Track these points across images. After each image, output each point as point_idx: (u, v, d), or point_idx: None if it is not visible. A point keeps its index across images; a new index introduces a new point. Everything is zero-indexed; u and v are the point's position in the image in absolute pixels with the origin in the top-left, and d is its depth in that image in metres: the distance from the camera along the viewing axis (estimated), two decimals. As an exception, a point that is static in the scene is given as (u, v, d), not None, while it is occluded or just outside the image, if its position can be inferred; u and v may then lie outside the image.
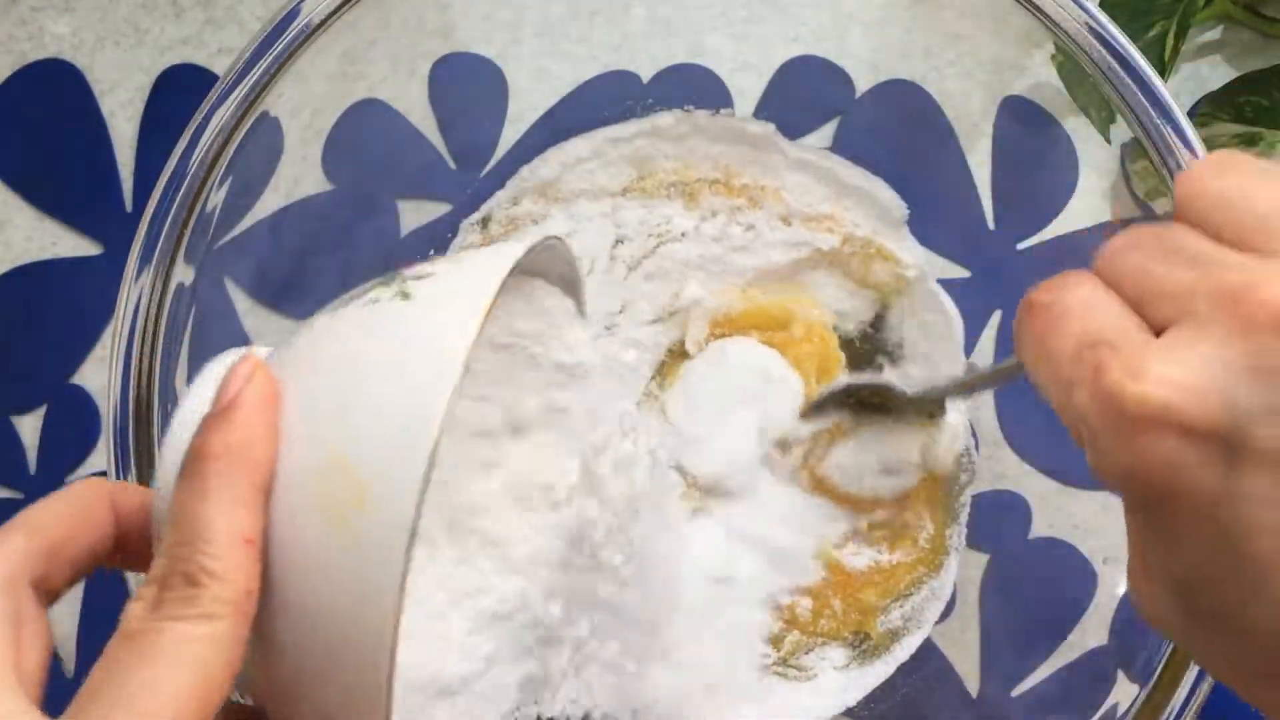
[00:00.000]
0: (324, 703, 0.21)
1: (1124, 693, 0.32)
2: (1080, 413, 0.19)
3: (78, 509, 0.22)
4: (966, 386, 0.34)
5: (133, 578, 0.30)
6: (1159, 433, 0.18)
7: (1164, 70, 0.38)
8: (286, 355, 0.22)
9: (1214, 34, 0.42)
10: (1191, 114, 0.39)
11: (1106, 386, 0.18)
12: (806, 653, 0.37)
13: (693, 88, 0.39)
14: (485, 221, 0.40)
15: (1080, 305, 0.20)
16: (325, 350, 0.22)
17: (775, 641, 0.37)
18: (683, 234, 0.39)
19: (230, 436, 0.20)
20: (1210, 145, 0.38)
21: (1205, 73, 0.41)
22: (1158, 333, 0.19)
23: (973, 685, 0.37)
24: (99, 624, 0.40)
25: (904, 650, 0.38)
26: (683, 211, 0.39)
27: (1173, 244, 0.19)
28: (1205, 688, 0.31)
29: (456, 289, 0.22)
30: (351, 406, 0.21)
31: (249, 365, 0.21)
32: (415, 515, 0.19)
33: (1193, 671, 0.30)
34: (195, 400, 0.22)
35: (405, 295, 0.22)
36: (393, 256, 0.39)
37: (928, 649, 0.38)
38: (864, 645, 0.38)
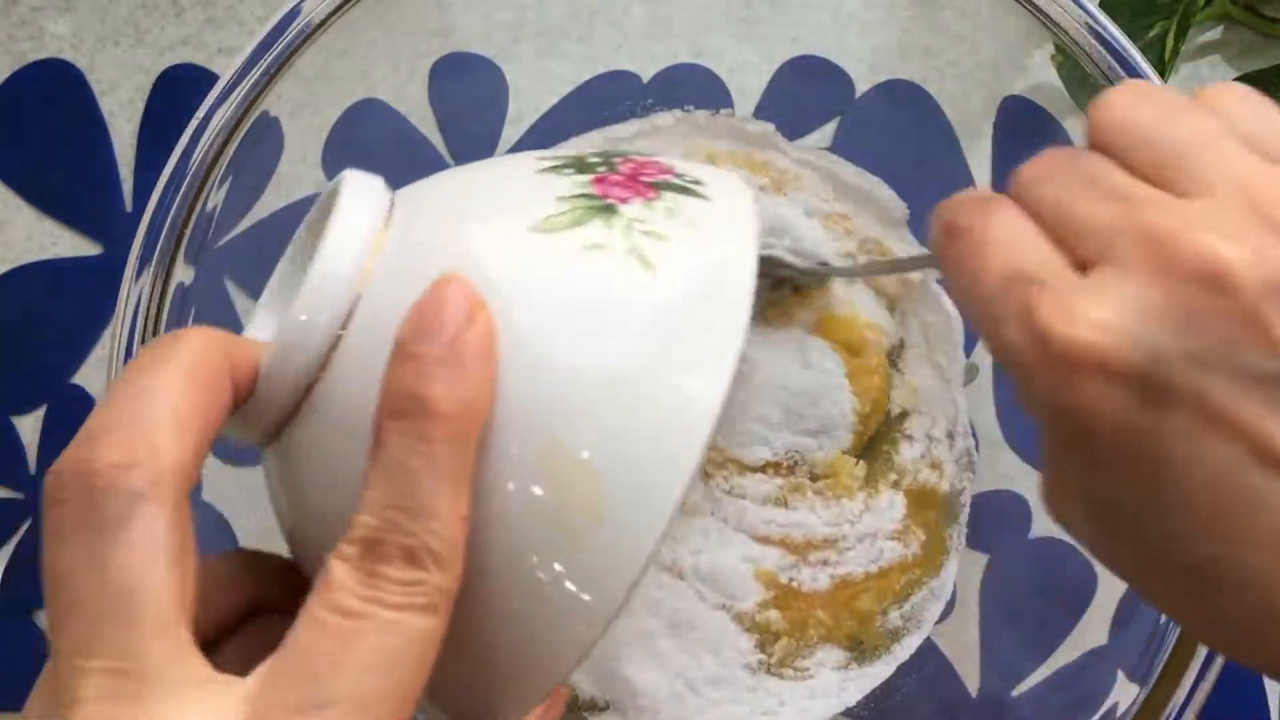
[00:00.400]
0: (466, 700, 0.19)
1: (1124, 692, 0.32)
2: (1010, 348, 0.19)
3: (208, 380, 0.19)
4: (874, 269, 0.32)
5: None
6: (1087, 374, 0.18)
7: (1164, 70, 0.38)
8: (473, 273, 0.18)
9: (1214, 34, 0.42)
10: (1191, 114, 0.39)
11: (1037, 326, 0.19)
12: (802, 656, 0.37)
13: (693, 88, 0.39)
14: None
15: (1004, 236, 0.20)
16: (537, 296, 0.19)
17: (763, 646, 0.37)
18: None
19: (464, 392, 0.18)
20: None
21: (1205, 73, 0.41)
22: (1080, 268, 0.19)
23: (973, 685, 0.37)
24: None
25: (903, 650, 0.38)
26: None
27: (1090, 175, 0.20)
28: (1205, 688, 0.31)
29: (709, 278, 0.19)
30: (590, 391, 0.18)
31: (461, 293, 0.18)
32: (659, 541, 0.17)
33: (1192, 672, 0.30)
34: (350, 227, 0.19)
35: (645, 262, 0.19)
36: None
37: (927, 649, 0.38)
38: (862, 646, 0.38)
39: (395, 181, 0.39)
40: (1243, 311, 0.17)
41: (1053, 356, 0.18)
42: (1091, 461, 0.19)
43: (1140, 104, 0.20)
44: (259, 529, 0.35)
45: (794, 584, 0.37)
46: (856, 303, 0.38)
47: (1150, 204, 0.19)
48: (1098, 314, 0.18)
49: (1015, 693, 0.36)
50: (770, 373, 0.36)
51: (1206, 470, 0.18)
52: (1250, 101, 0.20)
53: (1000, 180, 0.38)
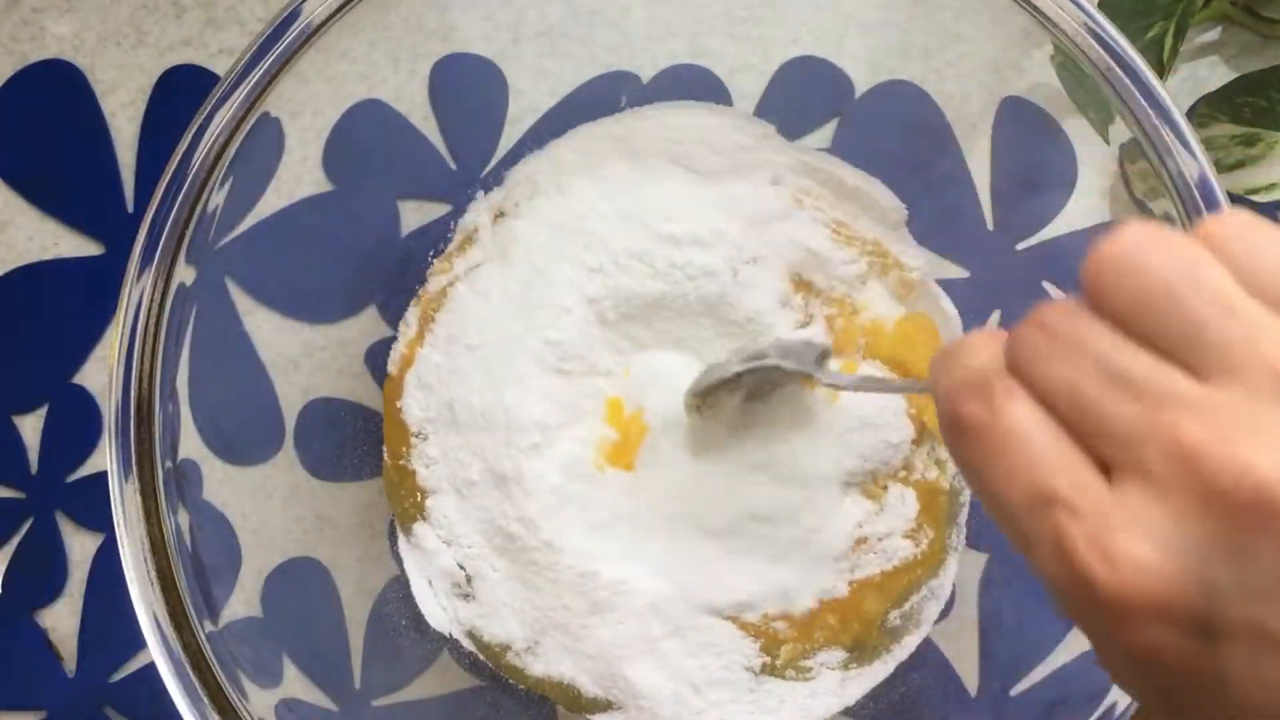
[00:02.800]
0: None
1: (1122, 692, 0.32)
2: (1049, 579, 0.19)
3: None
4: (868, 387, 0.33)
5: (131, 576, 0.30)
6: (1137, 620, 0.18)
7: (1163, 71, 0.38)
8: None
9: (1212, 35, 0.42)
10: (1190, 115, 0.39)
11: (1078, 568, 0.18)
12: (805, 658, 0.37)
13: (693, 88, 0.39)
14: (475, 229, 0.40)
15: (1021, 435, 0.19)
16: None
17: (768, 650, 0.37)
18: None
19: None
20: (1209, 146, 0.39)
21: (1204, 73, 0.41)
22: (1104, 468, 0.18)
23: (971, 684, 0.37)
24: (99, 624, 0.40)
25: (903, 649, 0.38)
26: None
27: (1101, 355, 0.18)
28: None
29: None
30: None
31: None
32: None
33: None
34: None
35: None
36: (393, 256, 0.39)
37: (927, 648, 0.38)
38: (863, 645, 0.38)
39: (395, 183, 0.39)
40: None
41: (1099, 603, 0.18)
42: (1155, 685, 0.19)
43: (1145, 258, 0.18)
44: (259, 529, 0.35)
45: (810, 597, 0.37)
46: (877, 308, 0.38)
47: (1174, 403, 0.17)
48: (1139, 551, 0.17)
49: (1014, 692, 0.36)
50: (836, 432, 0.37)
51: (1269, 686, 0.17)
52: (1261, 237, 0.18)
53: (999, 180, 0.38)
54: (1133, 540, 0.17)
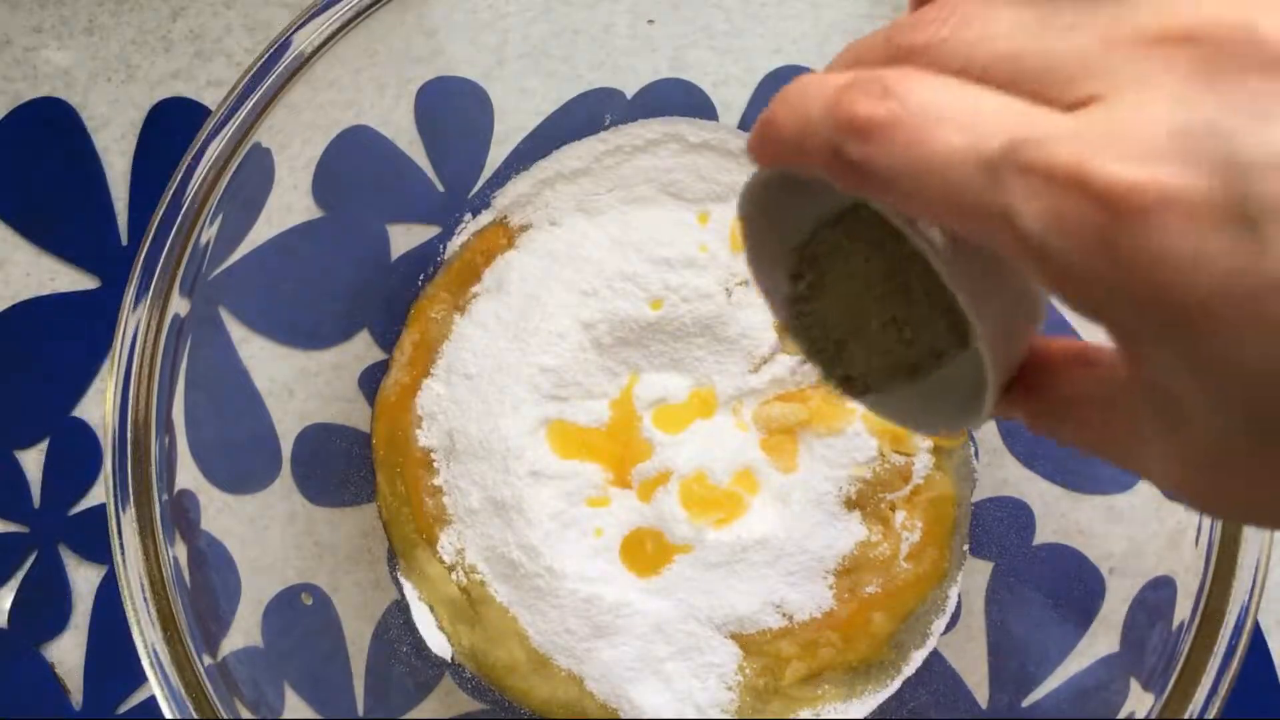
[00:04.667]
0: None
1: (1139, 701, 0.31)
2: (1046, 240, 0.14)
3: None
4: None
5: (131, 615, 0.30)
6: (1156, 220, 0.13)
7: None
8: None
9: None
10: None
11: (1063, 176, 0.13)
12: (810, 675, 0.37)
13: (677, 103, 0.39)
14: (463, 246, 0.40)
15: (945, 103, 0.14)
16: None
17: (772, 671, 0.36)
18: None
19: None
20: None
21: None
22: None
23: (982, 696, 0.36)
24: (104, 656, 0.40)
25: (910, 665, 0.37)
26: None
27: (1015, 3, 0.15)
28: (1223, 692, 0.30)
29: None
30: None
31: None
32: None
33: (1209, 677, 0.30)
34: None
35: None
36: (384, 280, 0.39)
37: (934, 661, 0.37)
38: (869, 662, 0.37)
39: (385, 207, 0.39)
40: None
41: (1096, 211, 0.13)
42: (1211, 356, 0.13)
43: None
44: (258, 558, 0.35)
45: (814, 616, 0.36)
46: None
47: (1122, 6, 0.14)
48: (1147, 139, 0.13)
49: (1026, 703, 0.35)
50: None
51: None
52: None
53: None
54: (1130, 141, 0.13)
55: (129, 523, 0.31)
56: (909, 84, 0.15)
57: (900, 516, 0.37)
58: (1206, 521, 0.31)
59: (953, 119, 0.14)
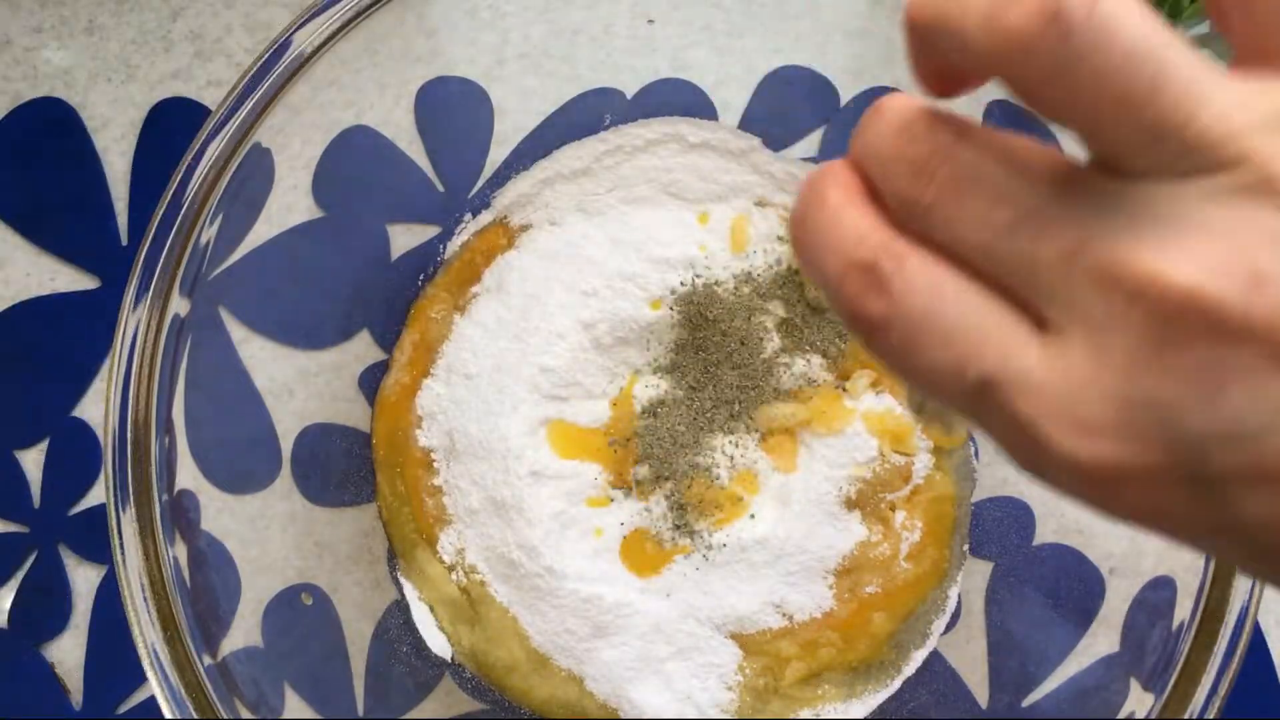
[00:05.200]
0: None
1: (1139, 701, 0.31)
2: (1017, 463, 0.17)
3: None
4: None
5: (131, 615, 0.30)
6: (1135, 488, 0.15)
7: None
8: None
9: (1202, 28, 0.41)
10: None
11: (1046, 452, 0.15)
12: (811, 674, 0.37)
13: (677, 102, 0.39)
14: (465, 246, 0.40)
15: (932, 315, 0.16)
16: None
17: (772, 671, 0.37)
18: None
19: None
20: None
21: (1198, 68, 0.41)
22: (1030, 313, 0.16)
23: (982, 696, 0.36)
24: (104, 656, 0.40)
25: (910, 664, 0.37)
26: None
27: (969, 171, 0.16)
28: (1223, 691, 0.30)
29: None
30: None
31: None
32: None
33: (1209, 677, 0.30)
34: None
35: None
36: (384, 280, 0.39)
37: (934, 660, 0.37)
38: (869, 662, 0.37)
39: (385, 207, 0.39)
40: (1258, 348, 0.14)
41: (1084, 480, 0.16)
42: (1188, 541, 0.16)
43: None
44: (258, 557, 0.35)
45: (814, 616, 0.36)
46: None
47: (1062, 219, 0.16)
48: (1102, 415, 0.15)
49: (1026, 703, 0.35)
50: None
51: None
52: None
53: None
54: (1084, 406, 0.15)
55: (129, 523, 0.31)
56: (904, 280, 0.17)
57: (900, 516, 0.37)
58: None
59: (940, 332, 0.16)
